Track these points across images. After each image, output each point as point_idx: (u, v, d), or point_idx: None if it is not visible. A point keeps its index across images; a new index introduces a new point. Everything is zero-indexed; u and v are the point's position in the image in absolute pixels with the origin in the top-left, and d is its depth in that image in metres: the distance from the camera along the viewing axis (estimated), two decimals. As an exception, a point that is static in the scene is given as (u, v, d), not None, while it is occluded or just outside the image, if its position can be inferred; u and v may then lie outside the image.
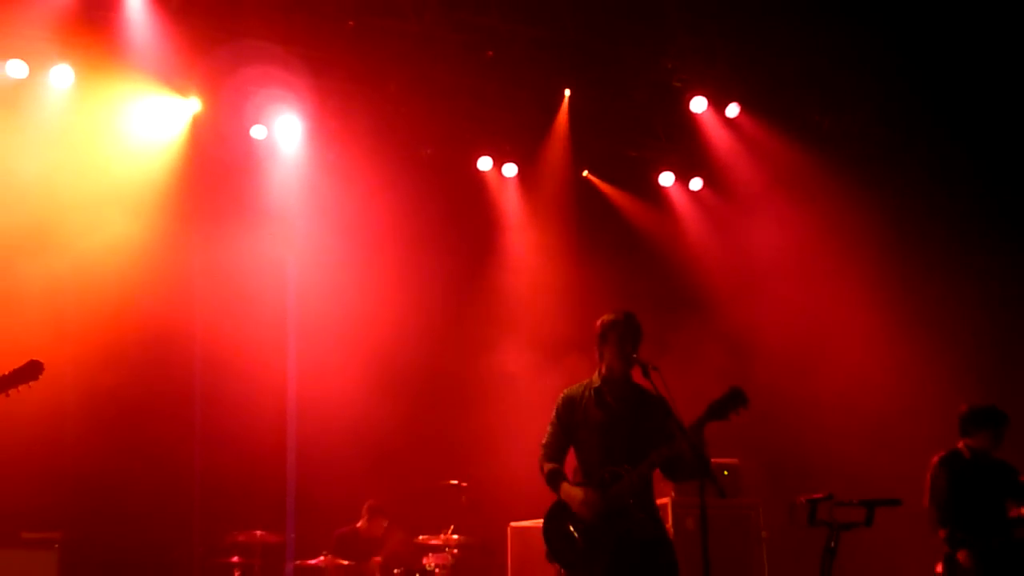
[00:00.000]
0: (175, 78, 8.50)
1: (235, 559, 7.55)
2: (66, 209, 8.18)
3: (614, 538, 4.69)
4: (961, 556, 6.02)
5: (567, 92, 9.57)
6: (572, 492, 4.79)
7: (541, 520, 5.00)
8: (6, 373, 4.91)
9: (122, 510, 8.00)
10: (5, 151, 8.24)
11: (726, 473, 8.03)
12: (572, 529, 4.79)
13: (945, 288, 9.31)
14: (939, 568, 6.20)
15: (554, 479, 4.92)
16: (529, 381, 8.63)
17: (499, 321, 9.74)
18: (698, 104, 9.69)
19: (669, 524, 7.18)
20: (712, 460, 5.29)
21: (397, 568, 7.49)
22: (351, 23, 8.61)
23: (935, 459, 6.32)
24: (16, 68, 8.24)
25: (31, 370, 4.94)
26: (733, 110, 9.77)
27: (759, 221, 10.29)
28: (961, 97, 9.30)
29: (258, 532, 7.55)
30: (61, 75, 8.44)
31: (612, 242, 10.37)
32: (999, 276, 9.40)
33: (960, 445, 6.32)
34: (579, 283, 9.59)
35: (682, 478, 4.93)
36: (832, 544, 4.65)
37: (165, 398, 8.49)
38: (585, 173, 10.49)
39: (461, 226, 10.00)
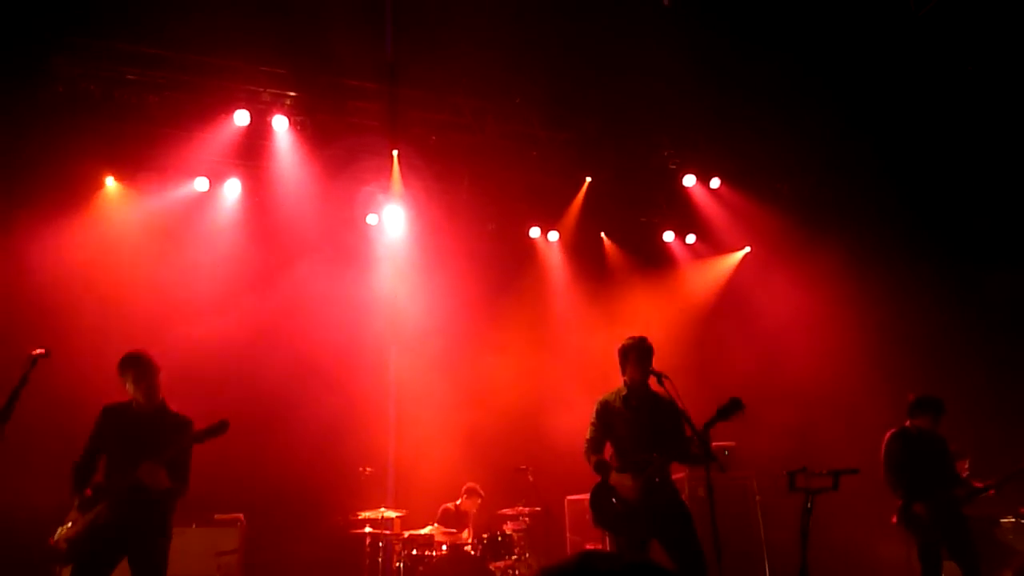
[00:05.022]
0: (313, 185, 8.72)
1: (368, 529, 7.58)
2: (247, 272, 8.59)
3: (650, 507, 4.64)
4: (918, 507, 5.83)
5: (588, 179, 9.62)
6: (619, 476, 4.76)
7: (589, 495, 4.95)
8: (203, 428, 4.45)
9: (285, 497, 8.10)
10: (198, 240, 8.55)
11: (727, 453, 7.87)
12: (615, 502, 4.75)
13: (891, 307, 9.06)
14: (894, 519, 6.00)
15: (601, 466, 4.89)
16: (570, 386, 8.55)
17: (546, 342, 9.70)
18: (688, 180, 9.68)
19: (685, 494, 7.06)
20: (715, 443, 5.21)
21: (485, 533, 7.44)
22: (433, 138, 8.79)
23: (888, 434, 6.14)
24: (201, 183, 8.59)
25: (221, 427, 4.42)
26: (715, 183, 9.74)
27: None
28: (885, 162, 9.20)
29: (382, 509, 7.59)
30: (232, 187, 8.75)
31: (622, 282, 10.31)
32: (935, 296, 9.07)
33: (908, 424, 6.14)
34: (602, 311, 9.58)
35: (692, 463, 4.85)
36: (808, 505, 4.52)
37: (306, 411, 8.49)
38: (602, 235, 10.46)
39: (519, 276, 10.02)
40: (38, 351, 4.26)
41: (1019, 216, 8.33)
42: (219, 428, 4.43)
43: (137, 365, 4.51)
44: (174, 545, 7.07)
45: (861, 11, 7.52)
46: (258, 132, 8.28)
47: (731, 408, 4.60)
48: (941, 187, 9.21)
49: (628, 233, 10.45)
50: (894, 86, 8.34)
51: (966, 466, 6.37)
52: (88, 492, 4.41)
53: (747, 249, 10.45)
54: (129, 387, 4.54)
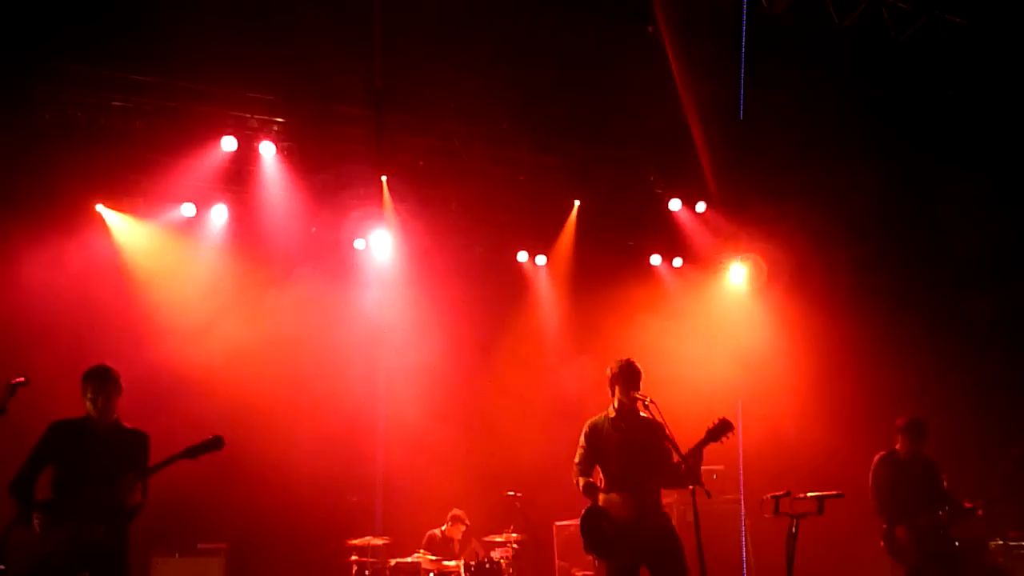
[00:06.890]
0: (300, 209, 8.70)
1: (354, 557, 7.49)
2: (233, 298, 8.50)
3: (640, 531, 4.62)
4: (900, 532, 5.83)
5: (576, 203, 9.67)
6: (611, 498, 4.73)
7: (578, 520, 4.92)
8: (195, 444, 4.34)
9: (270, 525, 8.00)
10: (184, 267, 8.51)
11: (715, 477, 7.84)
12: (605, 526, 4.71)
13: (877, 325, 9.09)
14: (881, 543, 6.00)
15: (590, 490, 4.86)
16: (558, 411, 8.50)
17: (534, 366, 9.59)
18: (674, 204, 9.75)
19: (674, 518, 6.99)
20: (702, 466, 5.18)
21: (473, 560, 7.36)
22: (421, 163, 8.83)
23: (876, 458, 6.15)
24: (188, 209, 8.56)
25: (215, 443, 4.37)
26: (701, 207, 9.82)
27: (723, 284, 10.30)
28: (868, 183, 9.28)
29: (368, 537, 7.50)
30: (219, 213, 8.73)
31: (612, 304, 10.28)
32: (921, 314, 9.13)
33: (897, 447, 6.16)
34: (590, 335, 9.56)
35: (681, 487, 4.79)
36: (793, 530, 4.50)
37: (292, 438, 8.35)
38: (590, 259, 10.45)
39: (507, 301, 9.98)
40: (17, 379, 4.20)
41: (1002, 235, 8.44)
42: (213, 444, 4.36)
43: (96, 378, 4.49)
44: (158, 576, 6.99)
45: (842, 37, 7.66)
46: (245, 158, 8.29)
47: (720, 429, 4.61)
48: (925, 207, 9.33)
49: (615, 257, 10.47)
50: (875, 110, 8.47)
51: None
52: (36, 513, 4.24)
53: (734, 271, 10.49)
54: (87, 401, 4.49)
